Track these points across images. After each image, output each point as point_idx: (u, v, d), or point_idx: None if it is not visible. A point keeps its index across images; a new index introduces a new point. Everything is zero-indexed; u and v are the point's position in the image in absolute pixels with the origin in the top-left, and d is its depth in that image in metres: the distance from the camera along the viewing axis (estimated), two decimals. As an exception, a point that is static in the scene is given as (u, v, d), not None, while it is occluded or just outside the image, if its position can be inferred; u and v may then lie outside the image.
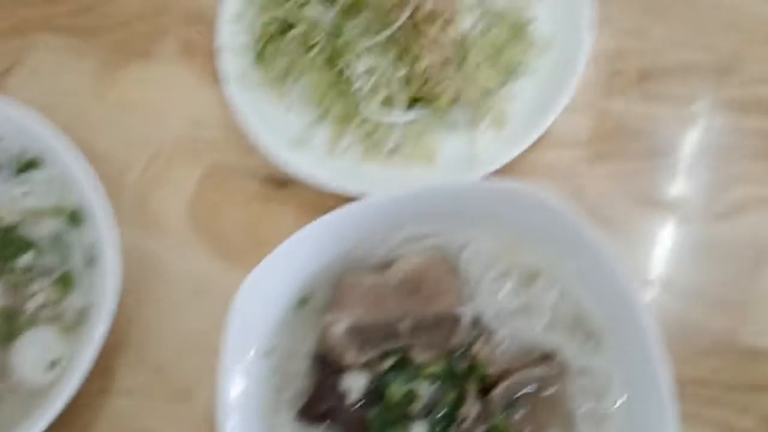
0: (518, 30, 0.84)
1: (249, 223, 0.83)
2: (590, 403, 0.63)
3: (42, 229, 0.74)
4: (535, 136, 0.79)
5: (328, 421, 0.63)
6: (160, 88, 0.91)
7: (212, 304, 0.76)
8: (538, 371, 0.62)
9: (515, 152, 0.79)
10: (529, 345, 0.65)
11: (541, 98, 0.82)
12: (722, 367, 0.74)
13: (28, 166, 0.76)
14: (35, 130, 0.75)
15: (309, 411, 0.63)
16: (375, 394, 0.63)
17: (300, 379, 0.65)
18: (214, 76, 0.87)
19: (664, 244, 0.81)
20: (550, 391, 0.62)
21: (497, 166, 0.78)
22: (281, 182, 0.84)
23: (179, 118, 0.89)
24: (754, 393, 0.73)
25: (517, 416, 0.62)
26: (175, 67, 0.92)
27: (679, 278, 0.79)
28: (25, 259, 0.72)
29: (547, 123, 0.79)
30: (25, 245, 0.73)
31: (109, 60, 0.92)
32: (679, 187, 0.83)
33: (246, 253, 0.80)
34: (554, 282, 0.67)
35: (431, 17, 0.78)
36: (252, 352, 0.64)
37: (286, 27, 0.86)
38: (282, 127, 0.83)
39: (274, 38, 0.86)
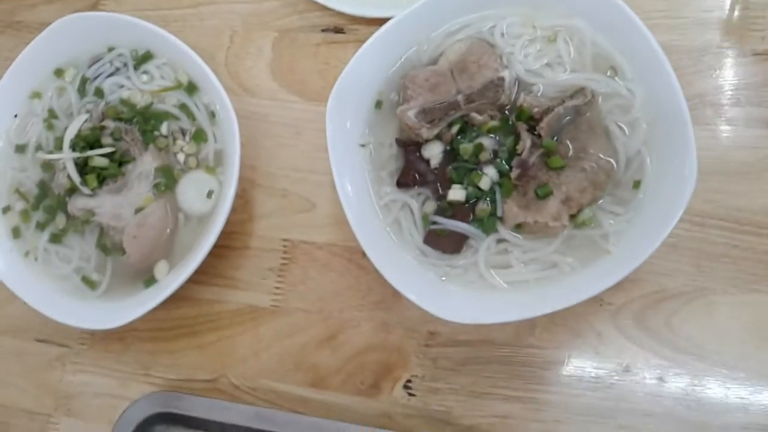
0: None
1: (321, 67, 1.01)
2: (620, 116, 0.79)
3: (169, 103, 0.95)
4: None
5: (420, 183, 0.82)
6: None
7: (312, 137, 0.98)
8: (573, 102, 0.78)
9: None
10: (563, 87, 0.82)
11: None
12: (733, 74, 0.89)
13: (143, 59, 0.97)
14: (142, 31, 0.94)
15: (404, 179, 0.83)
16: (451, 155, 0.82)
17: (392, 161, 0.85)
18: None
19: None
20: (586, 116, 0.79)
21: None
22: (338, 28, 1.02)
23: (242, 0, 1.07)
24: (764, 88, 0.87)
25: (563, 139, 0.79)
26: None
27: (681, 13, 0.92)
28: (164, 126, 0.93)
29: None
30: (161, 116, 0.93)
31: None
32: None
33: (326, 91, 0.96)
34: (572, 35, 0.82)
35: None
36: (351, 144, 0.83)
37: None
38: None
39: None
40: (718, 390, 0.81)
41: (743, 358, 0.82)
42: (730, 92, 0.88)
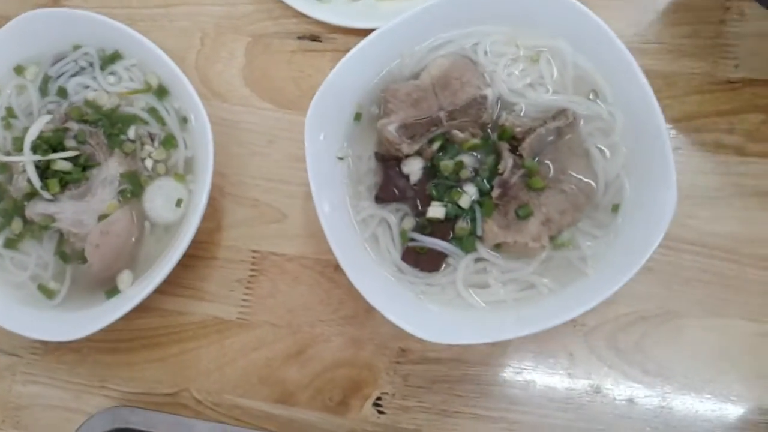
0: None
1: (296, 75, 0.98)
2: (600, 139, 0.80)
3: (137, 106, 0.91)
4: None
5: (398, 199, 0.81)
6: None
7: (285, 146, 0.96)
8: (555, 124, 0.78)
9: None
10: (545, 108, 0.81)
11: None
12: (705, 100, 0.90)
13: (111, 60, 0.92)
14: (111, 30, 0.90)
15: (383, 194, 0.81)
16: (431, 172, 0.81)
17: (370, 175, 0.83)
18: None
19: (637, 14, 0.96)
20: (567, 138, 0.79)
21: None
22: (314, 36, 0.99)
23: (214, 2, 1.03)
24: (736, 115, 0.89)
25: (544, 160, 0.78)
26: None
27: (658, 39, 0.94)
28: (132, 131, 0.89)
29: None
30: (129, 119, 0.89)
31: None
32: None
33: (300, 100, 0.97)
34: (554, 56, 0.82)
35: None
36: (328, 157, 0.81)
37: None
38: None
39: None
40: (685, 412, 0.82)
41: (710, 381, 0.83)
42: (702, 119, 0.90)
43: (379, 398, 0.87)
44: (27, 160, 0.84)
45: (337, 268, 0.89)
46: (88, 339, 0.91)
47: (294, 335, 0.89)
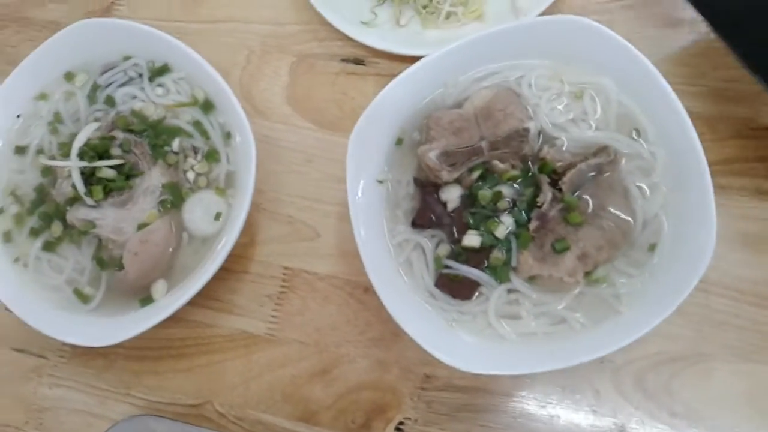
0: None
1: (338, 97, 1.00)
2: (641, 178, 0.80)
3: (183, 119, 0.92)
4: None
5: (435, 225, 0.82)
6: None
7: (323, 166, 0.97)
8: (596, 160, 0.79)
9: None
10: (586, 144, 0.82)
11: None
12: (746, 145, 0.90)
13: (160, 72, 0.94)
14: (161, 43, 0.92)
15: (420, 219, 0.82)
16: (468, 200, 0.81)
17: (408, 199, 0.84)
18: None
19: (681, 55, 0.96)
20: (607, 175, 0.79)
21: (539, 11, 0.93)
22: (358, 59, 1.01)
23: (261, 20, 1.06)
24: (776, 161, 0.89)
25: (583, 195, 0.79)
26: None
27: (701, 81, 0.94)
28: (176, 143, 0.90)
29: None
30: (173, 131, 0.91)
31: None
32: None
33: (341, 121, 0.98)
34: (598, 93, 0.83)
35: None
36: (368, 179, 0.82)
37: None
38: (353, 11, 1.00)
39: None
40: (709, 457, 0.82)
41: (736, 427, 0.82)
42: (742, 163, 0.90)
43: (401, 423, 0.86)
44: (73, 165, 0.86)
45: (367, 289, 0.89)
46: (117, 345, 0.92)
47: (320, 354, 0.90)
